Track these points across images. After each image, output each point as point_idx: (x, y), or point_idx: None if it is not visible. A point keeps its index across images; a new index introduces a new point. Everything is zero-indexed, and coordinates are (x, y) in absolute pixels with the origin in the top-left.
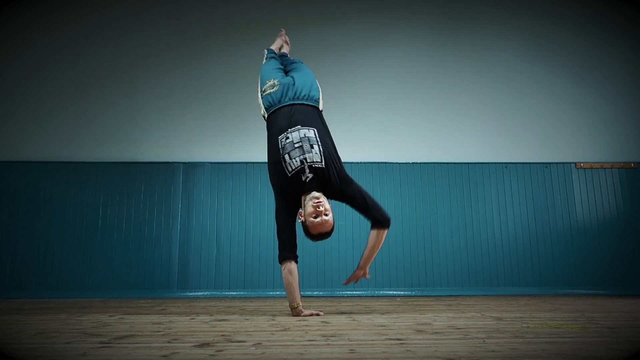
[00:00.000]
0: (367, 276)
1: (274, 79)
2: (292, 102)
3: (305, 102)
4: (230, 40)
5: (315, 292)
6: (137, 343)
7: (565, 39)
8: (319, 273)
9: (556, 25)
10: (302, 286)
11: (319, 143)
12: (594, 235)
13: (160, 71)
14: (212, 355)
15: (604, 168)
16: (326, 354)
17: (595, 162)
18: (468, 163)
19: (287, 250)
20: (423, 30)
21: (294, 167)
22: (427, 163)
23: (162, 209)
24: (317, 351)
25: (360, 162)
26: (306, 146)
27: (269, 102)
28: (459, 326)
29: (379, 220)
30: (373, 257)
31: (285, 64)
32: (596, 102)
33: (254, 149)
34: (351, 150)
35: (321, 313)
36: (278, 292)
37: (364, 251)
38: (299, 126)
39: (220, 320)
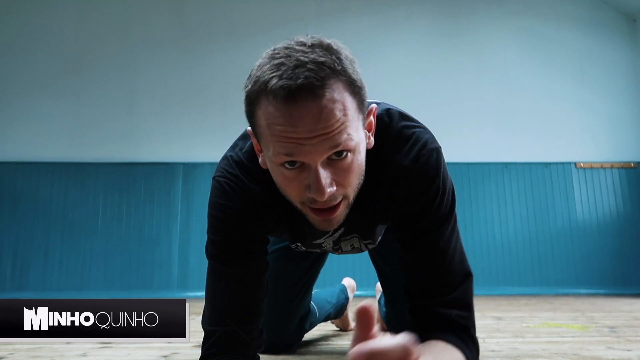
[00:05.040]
0: None
1: None
2: None
3: None
4: (230, 40)
5: (315, 292)
6: (137, 343)
7: (565, 38)
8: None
9: (556, 25)
10: None
11: None
12: (593, 235)
13: (160, 71)
14: None
15: (604, 168)
16: (326, 354)
17: (595, 162)
18: (468, 163)
19: None
20: (422, 29)
21: None
22: None
23: (162, 209)
24: (317, 351)
25: None
26: None
27: None
28: None
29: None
30: None
31: None
32: (596, 102)
33: None
34: None
35: None
36: None
37: None
38: None
39: None
